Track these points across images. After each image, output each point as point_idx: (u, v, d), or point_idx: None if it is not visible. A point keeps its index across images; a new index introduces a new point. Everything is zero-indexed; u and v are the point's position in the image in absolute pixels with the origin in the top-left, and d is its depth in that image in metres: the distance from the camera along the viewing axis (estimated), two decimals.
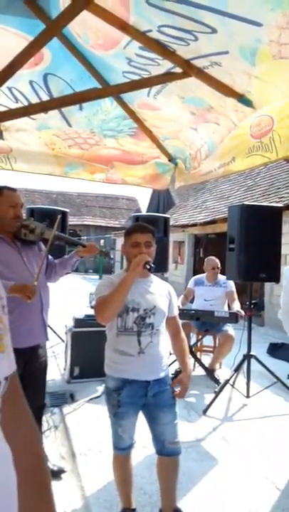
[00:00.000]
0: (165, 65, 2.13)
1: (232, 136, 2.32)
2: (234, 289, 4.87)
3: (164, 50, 1.96)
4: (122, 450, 2.12)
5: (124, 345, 2.06)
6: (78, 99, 2.26)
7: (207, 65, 1.95)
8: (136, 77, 2.29)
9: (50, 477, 0.78)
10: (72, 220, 26.45)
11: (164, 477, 2.19)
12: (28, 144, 3.14)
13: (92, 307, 5.71)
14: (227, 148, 2.36)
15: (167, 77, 2.10)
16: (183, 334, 2.29)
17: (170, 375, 2.19)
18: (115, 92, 2.32)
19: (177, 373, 2.22)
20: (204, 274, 5.05)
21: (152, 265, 2.02)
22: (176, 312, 2.26)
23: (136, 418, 2.11)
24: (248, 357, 4.02)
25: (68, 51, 2.36)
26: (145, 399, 2.08)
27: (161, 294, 2.16)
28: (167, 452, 2.13)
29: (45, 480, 0.74)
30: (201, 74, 1.99)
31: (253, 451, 3.06)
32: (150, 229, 2.14)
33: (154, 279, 2.22)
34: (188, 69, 1.99)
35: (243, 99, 2.07)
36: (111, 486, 2.44)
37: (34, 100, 2.61)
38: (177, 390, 2.15)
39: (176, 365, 2.22)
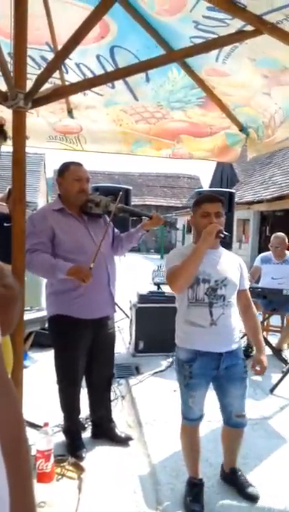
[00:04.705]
0: (235, 25, 2.00)
1: None
2: None
3: (234, 7, 1.83)
4: (192, 421, 2.14)
5: (196, 316, 2.05)
6: (144, 67, 2.21)
7: (281, 19, 1.79)
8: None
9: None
10: (133, 201, 26.52)
11: (228, 443, 2.30)
12: (97, 121, 3.16)
13: (155, 284, 5.75)
14: None
15: (237, 36, 1.97)
16: (254, 309, 2.23)
17: (242, 348, 2.16)
18: (181, 56, 2.22)
19: (246, 350, 2.19)
20: (271, 252, 4.85)
21: (226, 233, 1.97)
22: (246, 285, 2.20)
23: (206, 390, 2.11)
24: None
25: (134, 20, 2.31)
26: (217, 371, 2.07)
27: (232, 265, 2.12)
28: (233, 424, 2.18)
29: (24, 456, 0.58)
30: (275, 30, 1.83)
31: None
32: (219, 199, 2.09)
33: (224, 251, 2.18)
34: (260, 25, 1.84)
35: None
36: (177, 456, 2.48)
37: None
38: (258, 368, 2.14)
39: (244, 341, 2.16)
